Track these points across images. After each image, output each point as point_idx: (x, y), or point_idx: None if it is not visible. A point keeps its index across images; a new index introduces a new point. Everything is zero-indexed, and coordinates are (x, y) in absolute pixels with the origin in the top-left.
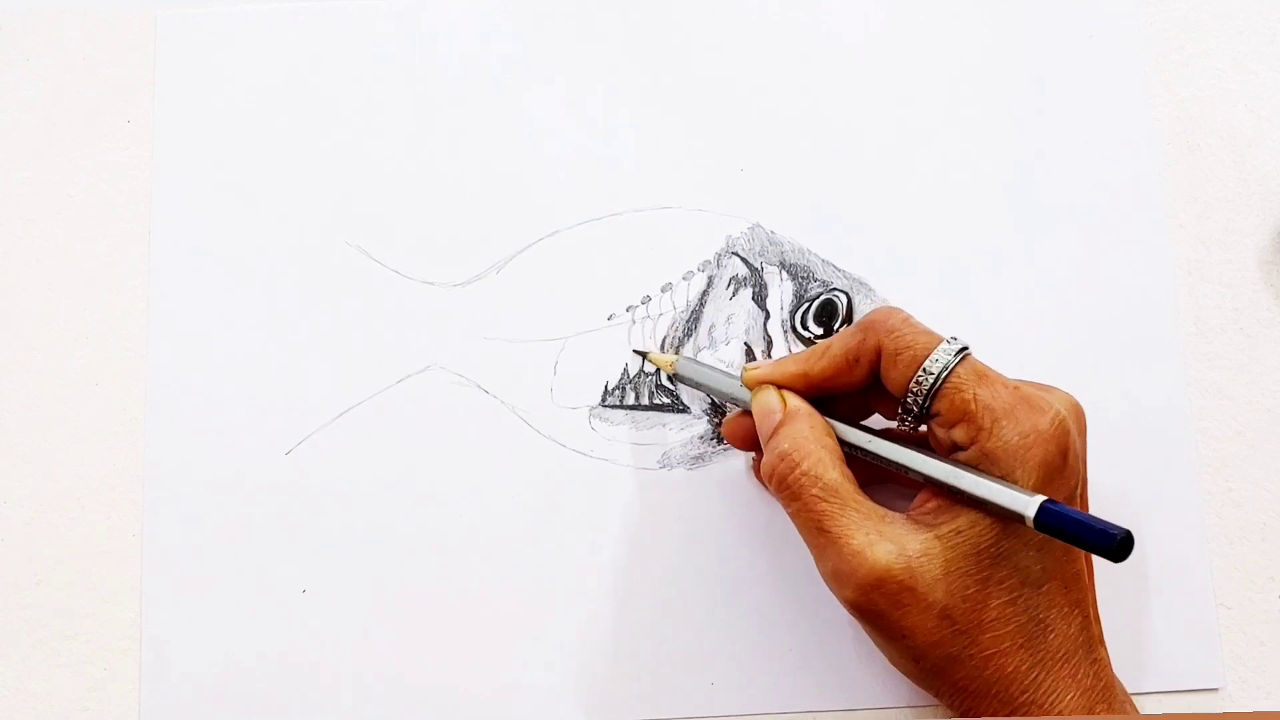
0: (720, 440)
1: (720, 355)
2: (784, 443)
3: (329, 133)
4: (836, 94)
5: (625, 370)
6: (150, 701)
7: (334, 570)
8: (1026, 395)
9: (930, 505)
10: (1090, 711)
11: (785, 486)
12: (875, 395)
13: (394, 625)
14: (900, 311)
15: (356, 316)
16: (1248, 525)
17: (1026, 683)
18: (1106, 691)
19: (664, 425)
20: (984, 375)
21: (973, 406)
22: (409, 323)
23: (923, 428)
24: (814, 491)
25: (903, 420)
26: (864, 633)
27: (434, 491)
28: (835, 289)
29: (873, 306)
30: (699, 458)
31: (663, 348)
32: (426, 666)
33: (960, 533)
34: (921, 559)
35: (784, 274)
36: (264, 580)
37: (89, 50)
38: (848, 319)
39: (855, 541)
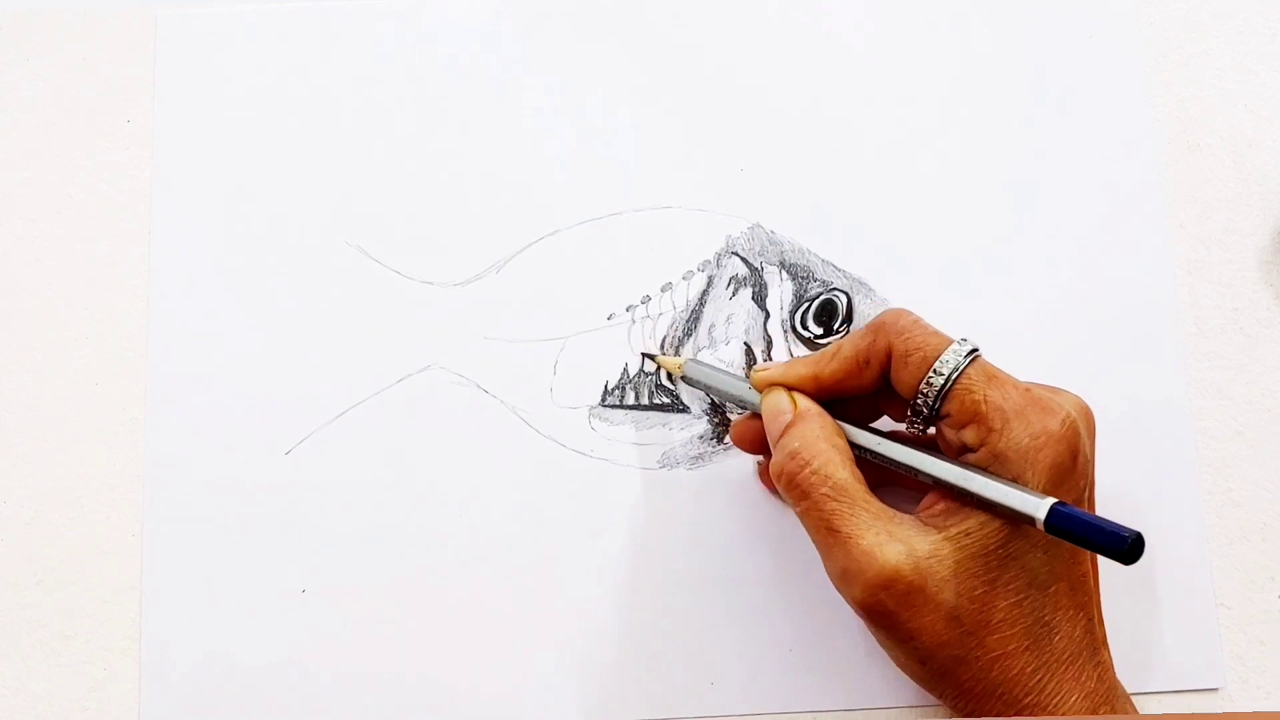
0: (720, 440)
1: (720, 355)
2: (794, 442)
3: (329, 133)
4: (836, 94)
5: (625, 370)
6: (150, 701)
7: (334, 570)
8: (1037, 397)
9: (939, 507)
10: (1093, 714)
11: (795, 485)
12: (884, 398)
13: (394, 625)
14: (910, 313)
15: (356, 316)
16: (1248, 525)
17: (1031, 685)
18: (1109, 694)
19: (664, 425)
20: (994, 376)
21: (983, 408)
22: (409, 323)
23: (931, 430)
24: (823, 491)
25: (911, 422)
26: (865, 632)
27: (434, 491)
28: (835, 289)
29: (873, 306)
30: (699, 457)
31: (663, 348)
32: (426, 666)
33: (969, 534)
34: (931, 560)
35: (784, 274)
36: (264, 580)
37: (89, 50)
38: (848, 319)
39: (865, 541)
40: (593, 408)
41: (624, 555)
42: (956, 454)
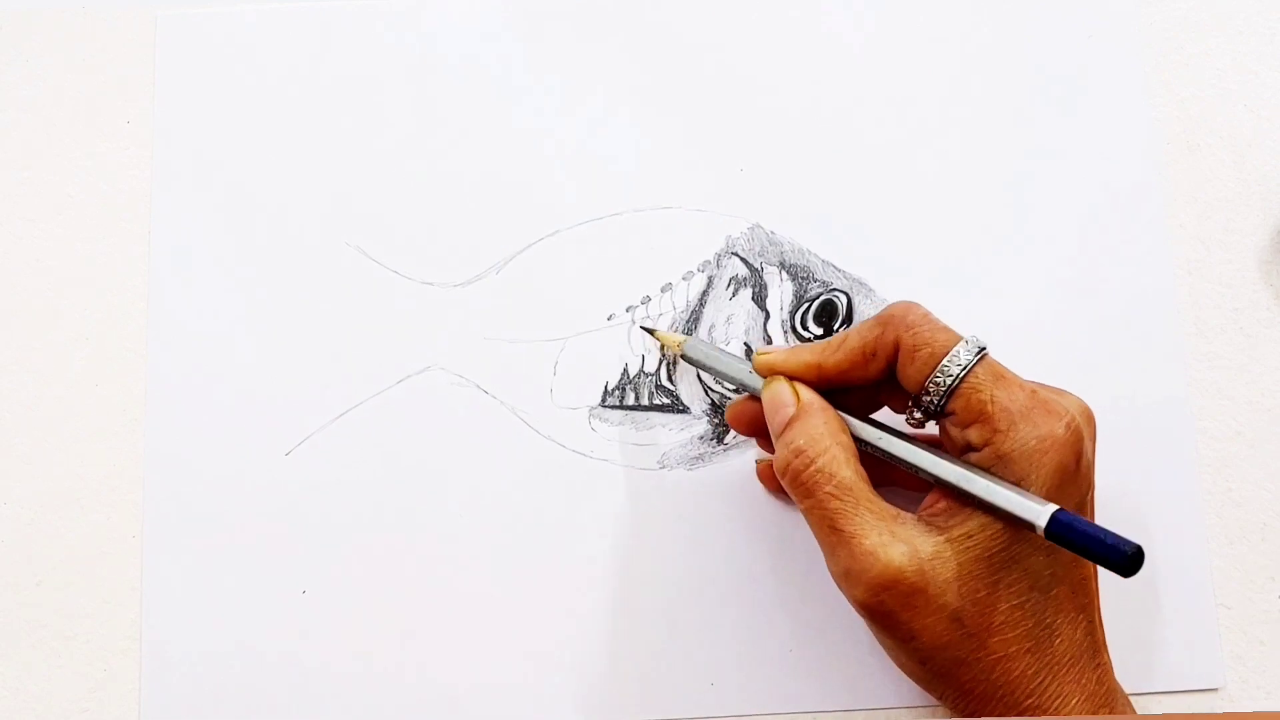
0: (720, 440)
1: None
2: (798, 439)
3: (329, 133)
4: (836, 94)
5: (625, 370)
6: (150, 701)
7: (334, 570)
8: (1043, 399)
9: (940, 506)
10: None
11: (799, 483)
12: (886, 389)
13: (394, 625)
14: (919, 307)
15: (356, 316)
16: (1248, 525)
17: (1032, 687)
18: (1109, 696)
19: (664, 426)
20: (1002, 376)
21: (989, 408)
22: (409, 323)
23: (931, 424)
24: (827, 489)
25: (911, 414)
26: (865, 632)
27: (434, 492)
28: (835, 289)
29: (873, 307)
30: (699, 458)
31: (662, 348)
32: (426, 666)
33: (971, 536)
34: (934, 561)
35: (784, 274)
36: (264, 580)
37: (89, 50)
38: (848, 319)
39: (868, 541)
40: (593, 408)
41: (624, 555)
42: (960, 452)
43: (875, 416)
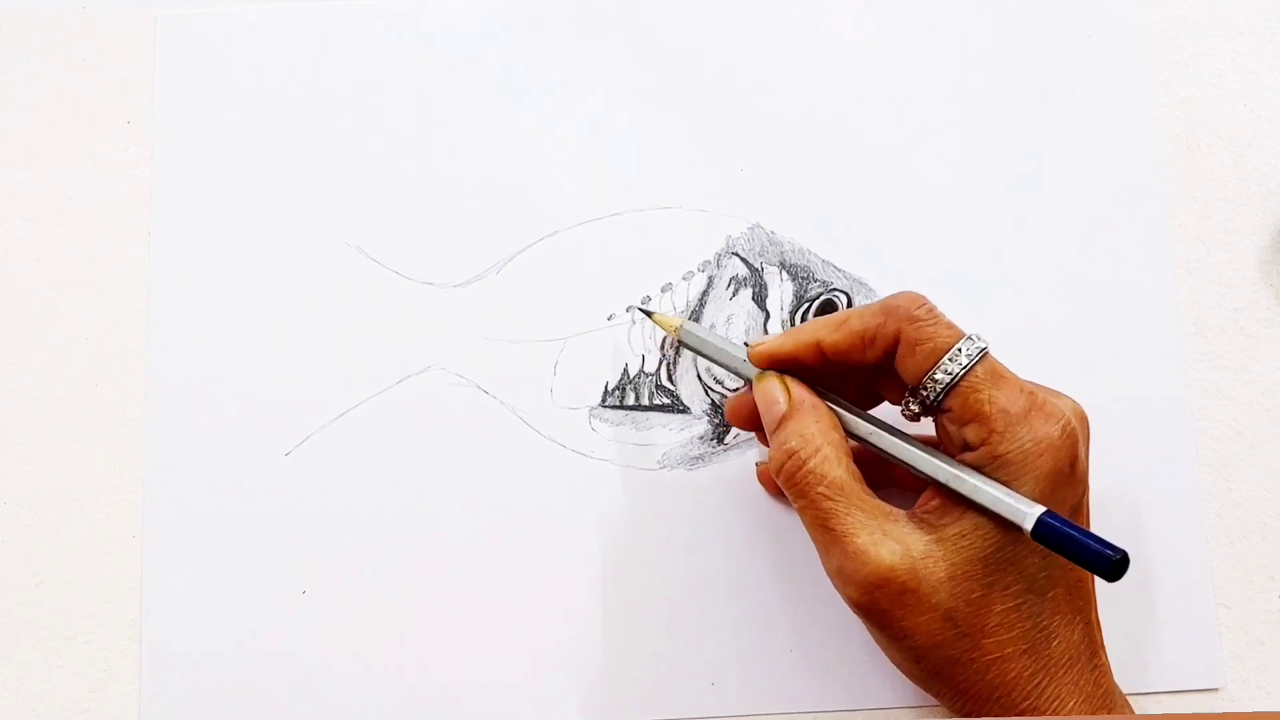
0: (720, 440)
1: None
2: (790, 439)
3: (328, 133)
4: (836, 94)
5: (625, 371)
6: (150, 701)
7: (334, 570)
8: (1040, 401)
9: (934, 504)
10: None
11: (793, 483)
12: (883, 377)
13: (394, 625)
14: (924, 300)
15: (356, 316)
16: (1248, 525)
17: (1029, 688)
18: (1107, 697)
19: (664, 426)
20: (1001, 376)
21: (987, 409)
22: (409, 323)
23: (925, 418)
24: (820, 489)
25: (907, 405)
26: (864, 632)
27: (434, 492)
28: (835, 289)
29: None
30: (698, 458)
31: (662, 348)
32: (426, 667)
33: (964, 536)
34: (926, 560)
35: (784, 274)
36: (264, 580)
37: (89, 50)
38: None
39: (860, 540)
40: (593, 408)
41: (624, 555)
42: (955, 449)
43: (873, 413)
